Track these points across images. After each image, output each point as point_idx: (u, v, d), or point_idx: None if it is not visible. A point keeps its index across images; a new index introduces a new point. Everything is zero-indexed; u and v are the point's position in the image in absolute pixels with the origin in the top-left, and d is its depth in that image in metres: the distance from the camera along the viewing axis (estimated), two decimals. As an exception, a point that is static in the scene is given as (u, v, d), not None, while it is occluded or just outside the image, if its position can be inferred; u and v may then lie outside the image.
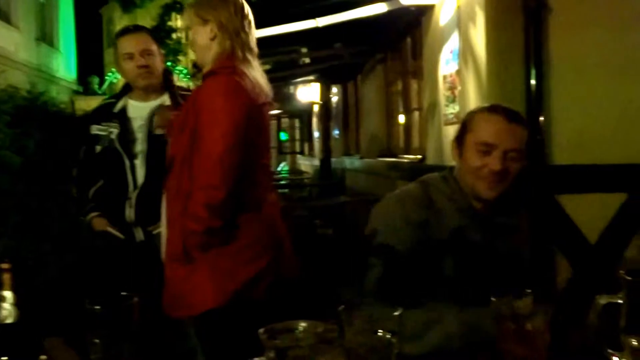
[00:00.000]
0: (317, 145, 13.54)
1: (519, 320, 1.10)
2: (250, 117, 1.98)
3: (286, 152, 18.90)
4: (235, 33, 2.03)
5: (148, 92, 2.57)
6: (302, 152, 17.72)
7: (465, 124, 1.70)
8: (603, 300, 1.19)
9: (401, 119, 7.04)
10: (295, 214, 7.12)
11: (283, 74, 9.15)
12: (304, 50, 8.14)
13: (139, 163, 2.50)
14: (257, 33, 2.17)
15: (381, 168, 6.93)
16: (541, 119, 3.30)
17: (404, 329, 1.05)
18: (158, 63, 2.57)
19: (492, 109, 1.68)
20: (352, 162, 9.25)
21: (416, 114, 6.39)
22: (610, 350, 1.15)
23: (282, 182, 12.11)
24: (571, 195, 3.27)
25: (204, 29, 2.05)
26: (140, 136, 2.52)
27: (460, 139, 1.70)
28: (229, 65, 2.01)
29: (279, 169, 16.85)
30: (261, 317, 1.80)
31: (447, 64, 4.66)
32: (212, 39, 2.04)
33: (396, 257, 1.59)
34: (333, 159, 10.89)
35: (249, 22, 2.10)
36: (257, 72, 2.09)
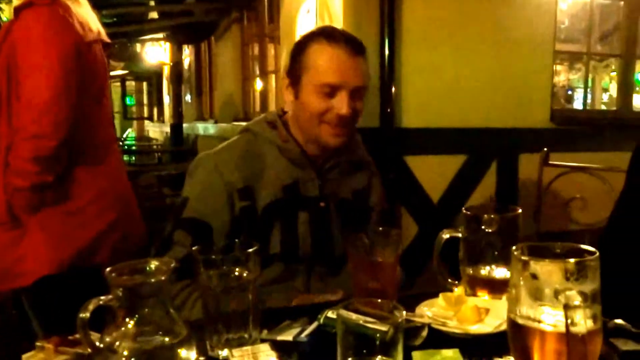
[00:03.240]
0: (167, 110, 13.07)
1: (370, 253, 1.17)
2: (80, 56, 1.75)
3: (133, 118, 18.10)
4: None
5: None
6: (150, 118, 17.05)
7: (299, 59, 1.49)
8: (445, 234, 1.27)
9: (258, 83, 7.01)
10: (142, 183, 6.84)
11: (127, 28, 8.55)
12: (152, 3, 7.73)
13: None
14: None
15: (237, 133, 6.85)
16: (393, 90, 3.46)
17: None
18: None
19: (331, 38, 1.47)
20: (205, 128, 9.03)
21: (273, 77, 6.41)
22: (450, 280, 1.27)
23: (128, 149, 11.60)
24: (417, 156, 3.55)
25: None
26: None
27: (294, 77, 1.50)
28: None
29: (124, 135, 16.09)
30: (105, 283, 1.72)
31: (303, 26, 4.71)
32: None
33: (208, 236, 1.42)
34: (185, 125, 10.63)
35: None
36: (84, 9, 1.87)
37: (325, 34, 1.48)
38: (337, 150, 1.55)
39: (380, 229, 1.22)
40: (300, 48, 1.50)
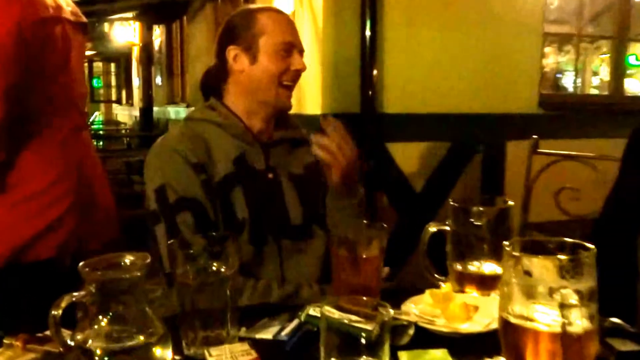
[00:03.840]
0: (137, 93, 12.97)
1: (352, 248, 1.16)
2: (30, 33, 1.66)
3: (100, 101, 17.91)
4: None
5: None
6: (119, 101, 16.89)
7: (251, 26, 1.63)
8: (432, 227, 1.27)
9: None
10: (109, 169, 6.78)
11: (95, 7, 8.45)
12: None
13: None
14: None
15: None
16: (374, 73, 3.44)
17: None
18: None
19: (273, 9, 1.70)
20: (177, 112, 9.02)
21: None
22: (437, 276, 1.27)
23: (95, 134, 11.48)
24: (399, 143, 3.55)
25: None
26: None
27: (246, 44, 1.64)
28: None
29: (91, 119, 15.89)
30: (55, 281, 1.64)
31: (281, 5, 4.67)
32: None
33: (202, 208, 1.53)
34: (156, 109, 10.59)
35: None
36: None
37: (266, 8, 1.70)
38: (281, 123, 1.71)
39: (365, 222, 1.24)
40: (248, 18, 1.66)
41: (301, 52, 1.65)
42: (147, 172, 1.60)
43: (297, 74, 1.65)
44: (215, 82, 1.73)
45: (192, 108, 8.49)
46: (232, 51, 1.65)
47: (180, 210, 1.52)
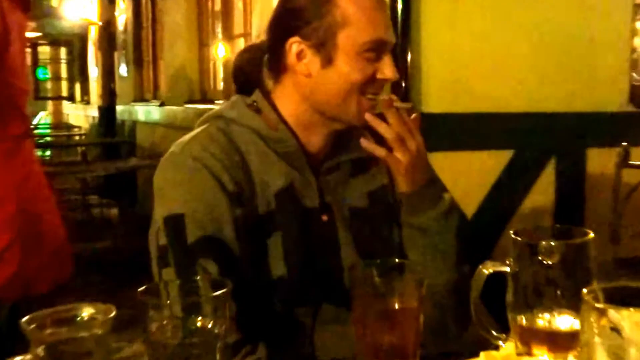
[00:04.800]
0: (94, 87, 13.07)
1: (382, 295, 1.16)
2: None
3: (46, 98, 18.06)
4: None
5: None
6: (71, 98, 17.02)
7: (326, 11, 1.52)
8: (487, 268, 1.25)
9: (221, 49, 7.01)
10: (59, 189, 6.82)
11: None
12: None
13: None
14: None
15: (191, 120, 6.79)
16: (409, 57, 3.43)
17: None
18: None
19: None
20: (147, 112, 9.07)
21: (242, 42, 6.40)
22: (494, 333, 1.27)
23: (41, 141, 11.56)
24: (444, 153, 3.44)
25: None
26: None
27: (318, 39, 1.53)
28: None
29: (35, 121, 16.06)
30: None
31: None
32: None
33: (231, 255, 1.48)
34: (119, 107, 10.66)
35: None
36: None
37: None
38: (343, 139, 1.63)
39: (397, 260, 1.23)
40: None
41: (392, 51, 1.57)
42: (158, 190, 1.55)
43: (383, 85, 1.57)
44: (255, 71, 1.69)
45: (169, 107, 8.45)
46: (295, 45, 1.55)
47: (202, 255, 1.46)
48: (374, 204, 1.66)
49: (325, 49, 1.53)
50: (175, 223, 1.48)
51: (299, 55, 1.55)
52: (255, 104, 1.61)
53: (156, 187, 1.56)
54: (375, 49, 1.52)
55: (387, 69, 1.53)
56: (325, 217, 1.60)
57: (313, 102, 1.58)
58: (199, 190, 1.49)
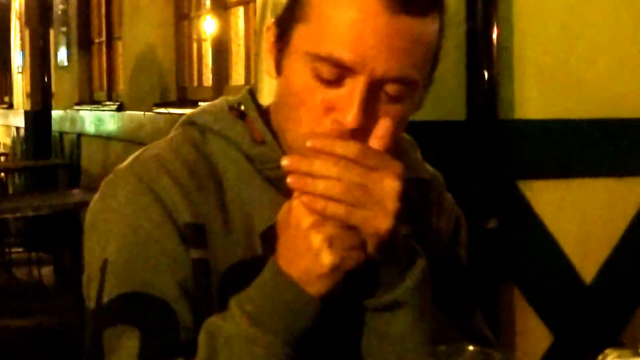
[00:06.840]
0: (20, 84, 12.10)
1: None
2: None
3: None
4: None
5: None
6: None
7: None
8: (614, 357, 1.28)
9: (209, 24, 6.24)
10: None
11: None
12: None
13: None
14: None
15: (163, 131, 6.17)
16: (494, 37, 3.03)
17: None
18: None
19: None
20: (98, 120, 8.11)
21: (240, 12, 5.76)
22: None
23: None
24: (546, 182, 3.13)
25: None
26: None
27: (281, 28, 1.40)
28: None
29: None
30: None
31: None
32: None
33: (168, 318, 1.28)
34: (57, 113, 9.71)
35: None
36: None
37: None
38: None
39: (471, 348, 1.13)
40: None
41: (376, 84, 1.24)
42: (87, 223, 1.38)
43: (341, 131, 1.30)
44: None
45: (131, 113, 8.13)
46: (270, 31, 1.41)
47: (119, 321, 1.28)
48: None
49: (282, 40, 1.38)
50: (94, 273, 1.33)
51: (271, 47, 1.43)
52: (240, 106, 1.46)
53: (86, 219, 1.42)
54: (330, 69, 1.26)
55: (341, 104, 1.25)
56: None
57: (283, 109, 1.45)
58: (136, 223, 1.31)
